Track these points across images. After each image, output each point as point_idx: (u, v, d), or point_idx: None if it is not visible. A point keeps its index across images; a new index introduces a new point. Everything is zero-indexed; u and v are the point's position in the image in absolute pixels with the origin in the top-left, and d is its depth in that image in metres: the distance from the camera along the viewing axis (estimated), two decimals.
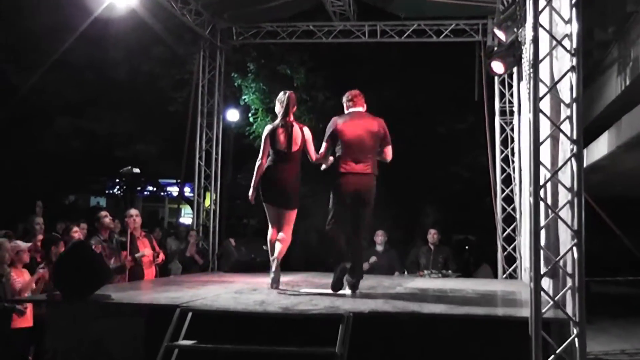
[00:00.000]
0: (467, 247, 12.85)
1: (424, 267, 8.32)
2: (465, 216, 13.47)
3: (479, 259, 11.16)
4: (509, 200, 8.52)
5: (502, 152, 8.68)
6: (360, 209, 5.27)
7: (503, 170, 8.65)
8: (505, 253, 8.44)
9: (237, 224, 14.51)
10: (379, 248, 8.43)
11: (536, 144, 3.65)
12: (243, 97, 12.22)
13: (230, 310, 4.15)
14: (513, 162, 8.41)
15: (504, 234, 8.51)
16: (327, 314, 4.00)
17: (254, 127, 12.35)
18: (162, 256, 6.98)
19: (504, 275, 8.36)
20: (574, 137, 3.62)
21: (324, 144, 5.41)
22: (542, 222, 3.69)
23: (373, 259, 8.21)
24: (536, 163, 3.64)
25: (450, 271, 8.11)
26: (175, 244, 9.19)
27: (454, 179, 13.30)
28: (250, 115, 12.39)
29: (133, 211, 6.68)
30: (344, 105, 5.56)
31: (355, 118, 5.39)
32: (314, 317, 4.01)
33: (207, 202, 9.74)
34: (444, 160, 12.97)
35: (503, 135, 8.69)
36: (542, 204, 3.69)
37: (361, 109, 5.49)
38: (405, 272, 8.33)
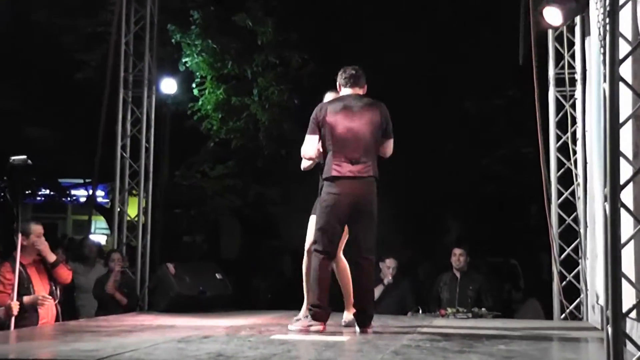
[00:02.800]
0: (507, 275, 12.79)
1: (447, 303, 8.54)
2: (504, 231, 13.54)
3: (524, 292, 11.44)
4: (568, 207, 8.54)
5: (558, 138, 8.63)
6: (361, 224, 5.64)
7: (560, 165, 8.61)
8: (564, 283, 8.43)
9: (177, 243, 14.67)
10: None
11: (613, 127, 3.69)
12: (184, 60, 12.33)
13: None
14: (575, 152, 8.42)
15: (562, 256, 8.48)
16: None
17: (200, 102, 12.53)
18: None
19: (563, 315, 8.37)
20: None
21: (311, 137, 5.74)
22: (624, 238, 3.70)
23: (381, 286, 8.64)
24: (614, 154, 3.68)
25: (484, 309, 8.28)
26: (84, 272, 9.11)
27: (487, 179, 13.39)
28: (194, 85, 12.54)
29: (34, 228, 6.59)
30: (338, 84, 5.87)
31: (352, 104, 5.73)
32: None
33: (133, 212, 9.85)
34: (472, 153, 13.07)
35: (560, 114, 8.64)
36: (623, 212, 3.71)
37: (359, 90, 5.83)
38: (420, 311, 8.60)
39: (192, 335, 5.48)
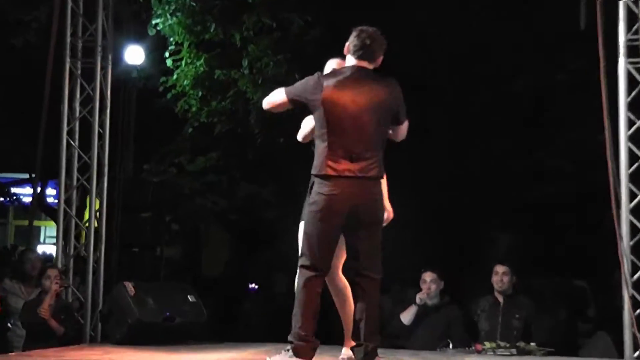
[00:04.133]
0: (571, 300, 12.50)
1: (486, 335, 8.69)
2: (564, 244, 13.55)
3: (595, 322, 11.38)
4: None
5: (630, 124, 8.63)
6: (361, 234, 5.74)
7: (633, 158, 8.62)
8: (639, 311, 8.41)
9: (140, 256, 14.56)
10: (430, 302, 9.14)
11: None
12: (154, 22, 12.17)
13: None
14: None
15: (635, 276, 8.51)
16: None
17: (175, 76, 12.47)
18: None
19: (637, 353, 8.34)
20: None
21: (283, 99, 5.95)
22: None
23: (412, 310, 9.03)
24: None
25: (533, 344, 8.29)
26: (24, 294, 9.26)
27: (542, 177, 13.37)
28: (167, 55, 12.49)
29: None
30: (347, 50, 5.90)
31: (356, 80, 5.78)
32: None
33: (86, 215, 10.09)
34: (522, 143, 13.07)
35: (634, 92, 8.65)
36: None
37: (368, 65, 5.86)
38: (450, 345, 8.76)
39: None
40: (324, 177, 5.67)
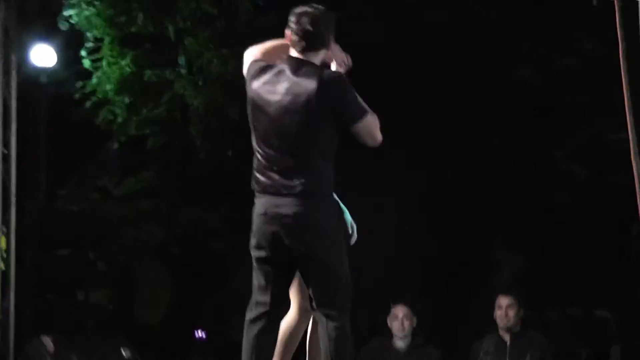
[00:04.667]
0: (593, 335, 12.68)
1: None
2: (586, 264, 13.26)
3: None
4: None
5: None
6: (306, 266, 5.49)
7: None
8: None
9: (59, 304, 14.39)
10: (401, 343, 9.06)
11: None
12: (66, 14, 11.93)
13: None
14: None
15: None
16: None
17: (95, 80, 12.10)
18: None
19: None
20: None
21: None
22: None
23: None
24: None
25: None
26: None
27: (555, 180, 13.17)
28: (84, 54, 12.13)
29: None
30: (288, 39, 5.61)
31: (282, 75, 5.54)
32: None
33: None
34: (531, 140, 12.84)
35: None
36: None
37: (314, 56, 5.54)
38: None
39: None
40: (255, 193, 5.49)
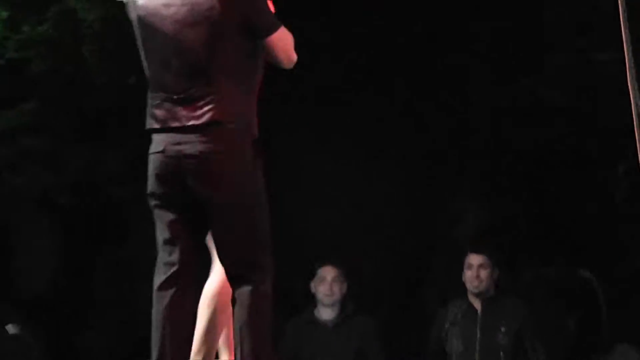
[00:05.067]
0: (578, 299, 12.30)
1: (459, 358, 8.82)
2: (567, 217, 13.04)
3: (612, 331, 11.09)
4: None
5: None
6: (215, 216, 5.48)
7: None
8: None
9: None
10: (327, 314, 9.23)
11: None
12: None
13: None
14: None
15: None
16: None
17: None
18: None
19: None
20: None
21: None
22: None
23: None
24: None
25: None
26: None
27: (531, 117, 12.77)
28: None
29: None
30: None
31: None
32: None
33: None
34: (498, 71, 12.51)
35: None
36: None
37: None
38: None
39: None
40: (151, 132, 5.55)
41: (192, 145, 5.37)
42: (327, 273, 9.16)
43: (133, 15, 5.58)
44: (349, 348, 9.07)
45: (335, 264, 9.30)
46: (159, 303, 5.49)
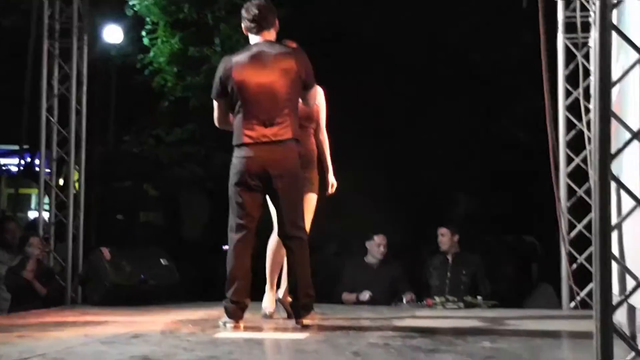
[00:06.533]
0: (524, 255, 12.73)
1: (436, 290, 8.98)
2: (522, 204, 13.62)
3: (538, 275, 11.62)
4: (579, 176, 8.39)
5: (567, 94, 8.57)
6: (281, 194, 5.81)
7: (571, 126, 8.56)
8: (575, 266, 8.35)
9: (118, 223, 14.64)
10: (373, 260, 9.34)
11: (604, 84, 3.60)
12: (131, 4, 12.36)
13: None
14: (588, 111, 8.24)
15: (572, 233, 8.43)
16: None
17: (152, 54, 12.73)
18: None
19: (573, 304, 8.32)
20: None
21: (218, 102, 6.03)
22: (615, 218, 3.67)
23: (365, 295, 8.98)
24: (603, 115, 3.60)
25: (479, 297, 8.61)
26: (7, 260, 9.06)
27: (501, 142, 13.53)
28: (144, 34, 12.72)
29: None
30: (245, 31, 6.01)
31: (263, 54, 5.84)
32: None
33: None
34: (485, 114, 13.24)
35: (571, 66, 8.53)
36: (613, 186, 3.71)
37: (268, 34, 5.93)
38: (404, 300, 8.99)
39: (121, 334, 5.60)
40: (242, 145, 5.73)
41: (274, 152, 5.70)
42: (381, 239, 9.28)
43: (226, 74, 5.83)
44: (386, 280, 9.17)
45: (384, 234, 9.40)
46: (231, 251, 5.77)
